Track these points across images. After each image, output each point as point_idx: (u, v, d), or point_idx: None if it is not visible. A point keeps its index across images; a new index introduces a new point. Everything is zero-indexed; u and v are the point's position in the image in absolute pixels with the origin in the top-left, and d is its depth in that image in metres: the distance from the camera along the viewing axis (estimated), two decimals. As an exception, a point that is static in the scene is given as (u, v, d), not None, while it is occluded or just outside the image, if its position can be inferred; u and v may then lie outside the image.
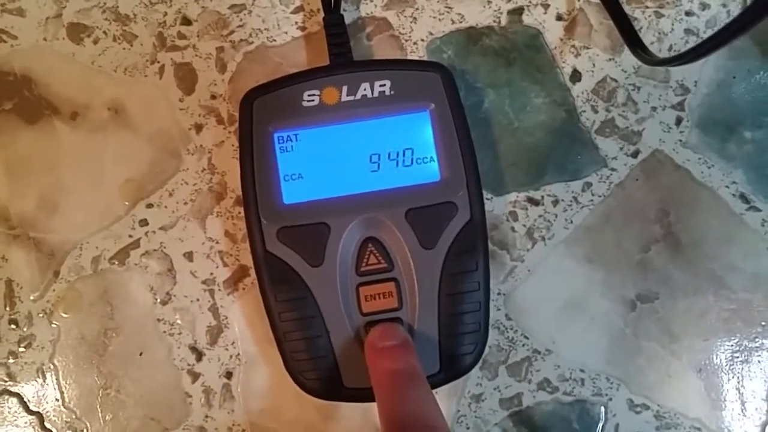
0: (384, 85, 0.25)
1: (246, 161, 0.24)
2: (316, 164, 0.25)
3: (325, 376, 0.24)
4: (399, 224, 0.24)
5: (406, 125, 0.25)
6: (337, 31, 0.26)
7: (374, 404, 0.25)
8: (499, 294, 0.27)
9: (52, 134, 0.27)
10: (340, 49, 0.26)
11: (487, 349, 0.25)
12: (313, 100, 0.25)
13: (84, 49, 0.27)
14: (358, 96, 0.25)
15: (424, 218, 0.24)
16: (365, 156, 0.25)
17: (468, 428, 0.26)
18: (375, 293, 0.24)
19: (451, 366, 0.24)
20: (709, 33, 0.27)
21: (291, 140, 0.25)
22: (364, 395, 0.24)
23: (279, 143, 0.25)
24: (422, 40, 0.27)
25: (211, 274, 0.27)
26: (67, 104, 0.27)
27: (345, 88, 0.25)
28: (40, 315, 0.27)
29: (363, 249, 0.24)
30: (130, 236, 0.27)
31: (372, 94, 0.25)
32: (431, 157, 0.25)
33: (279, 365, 0.25)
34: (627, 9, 0.27)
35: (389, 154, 0.25)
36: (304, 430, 0.26)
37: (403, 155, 0.25)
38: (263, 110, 0.25)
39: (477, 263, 0.24)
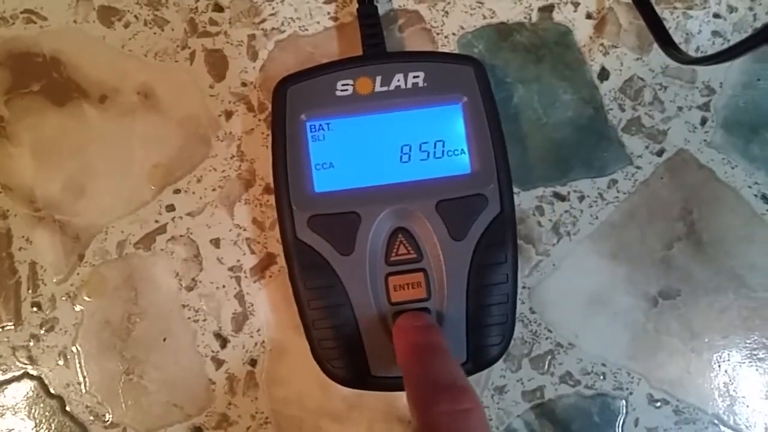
0: (418, 76, 0.25)
1: (278, 149, 0.24)
2: (348, 154, 0.25)
3: (352, 364, 0.24)
4: (429, 215, 0.24)
5: (439, 117, 0.25)
6: (371, 22, 0.26)
7: (399, 394, 0.25)
8: (523, 287, 0.27)
9: (80, 117, 0.27)
10: (374, 40, 0.26)
11: (510, 342, 0.25)
12: (346, 90, 0.25)
13: (114, 33, 0.27)
14: (392, 87, 0.25)
15: (455, 210, 0.24)
16: (397, 147, 0.25)
17: (490, 419, 0.27)
18: (404, 283, 0.24)
19: (478, 356, 0.24)
20: (736, 36, 0.28)
21: (323, 129, 0.25)
22: (391, 384, 0.24)
23: (311, 132, 0.25)
24: (453, 33, 0.27)
25: (238, 261, 0.27)
26: (97, 87, 0.27)
27: (379, 79, 0.25)
28: (64, 298, 0.26)
29: (393, 239, 0.24)
30: (157, 221, 0.27)
31: (405, 85, 0.25)
32: (462, 149, 0.25)
33: (303, 353, 0.25)
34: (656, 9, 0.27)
35: (420, 146, 0.25)
36: (328, 418, 0.26)
37: (435, 147, 0.25)
38: (296, 98, 0.25)
39: (506, 256, 0.24)
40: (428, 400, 0.19)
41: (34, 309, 0.27)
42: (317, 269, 0.24)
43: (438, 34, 0.28)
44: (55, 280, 0.27)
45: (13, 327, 0.26)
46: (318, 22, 0.27)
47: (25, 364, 0.26)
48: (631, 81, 0.28)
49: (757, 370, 0.27)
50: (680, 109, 0.28)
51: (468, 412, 0.18)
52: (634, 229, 0.27)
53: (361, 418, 0.26)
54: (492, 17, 0.28)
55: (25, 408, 0.26)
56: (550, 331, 0.27)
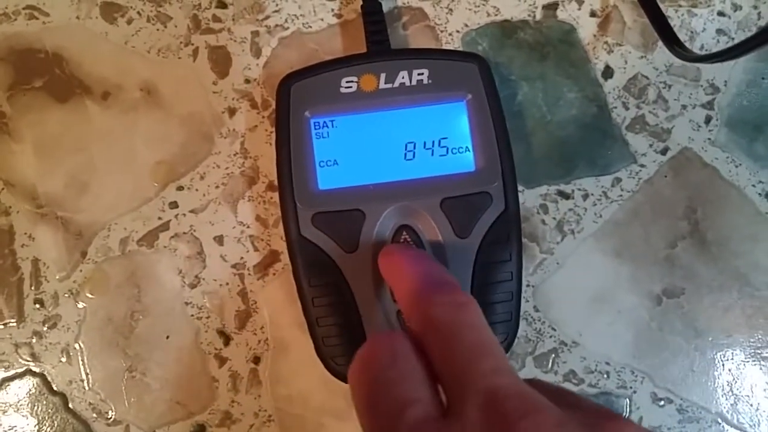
0: (422, 73, 0.25)
1: (282, 146, 0.24)
2: (352, 151, 0.25)
3: (356, 362, 0.24)
4: (434, 213, 0.24)
5: (443, 114, 0.25)
6: (375, 19, 0.26)
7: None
8: (528, 286, 0.27)
9: (83, 113, 0.27)
10: (378, 36, 0.26)
11: (515, 340, 0.25)
12: (350, 87, 0.25)
13: (117, 29, 0.27)
14: (396, 84, 0.25)
15: (459, 208, 0.24)
16: (401, 144, 0.25)
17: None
18: (408, 281, 0.24)
19: (483, 355, 0.24)
20: (741, 34, 0.28)
21: (327, 126, 0.25)
22: (395, 382, 0.24)
23: (315, 129, 0.25)
24: (458, 31, 0.27)
25: (242, 258, 0.27)
26: (99, 84, 0.27)
27: (383, 76, 0.25)
28: (66, 295, 0.26)
29: (397, 236, 0.24)
30: (160, 218, 0.27)
31: (410, 82, 0.25)
32: (467, 147, 0.25)
33: (307, 351, 0.25)
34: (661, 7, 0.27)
35: (425, 143, 0.25)
36: (331, 416, 0.26)
37: (439, 145, 0.25)
38: (300, 95, 0.25)
39: (511, 254, 0.24)
40: (425, 297, 0.18)
41: (37, 306, 0.26)
42: (321, 266, 0.24)
43: (442, 31, 0.27)
44: (57, 277, 0.26)
45: (15, 324, 0.26)
46: (322, 19, 0.27)
47: (28, 361, 0.26)
48: (635, 79, 0.28)
49: (760, 368, 0.27)
50: (684, 107, 0.28)
51: (465, 304, 0.18)
52: (638, 228, 0.27)
53: (365, 416, 0.26)
54: (496, 15, 0.28)
55: (27, 405, 0.26)
56: (554, 329, 0.27)
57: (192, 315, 0.26)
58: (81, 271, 0.26)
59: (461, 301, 0.18)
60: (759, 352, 0.27)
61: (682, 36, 0.27)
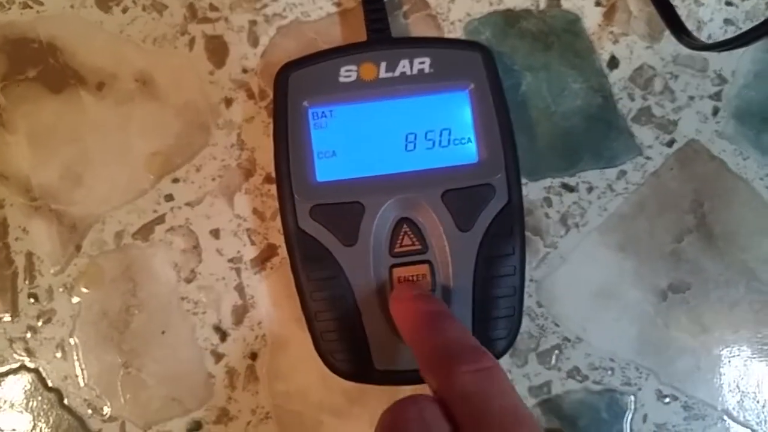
0: (423, 62, 0.24)
1: (279, 136, 0.24)
2: (351, 142, 0.24)
3: (355, 357, 0.23)
4: (435, 205, 0.24)
5: (445, 104, 0.24)
6: (375, 7, 0.25)
7: (402, 388, 0.25)
8: (531, 280, 0.26)
9: (77, 104, 0.26)
10: (379, 25, 0.25)
11: (517, 336, 0.25)
12: (350, 76, 0.24)
13: (112, 18, 0.27)
14: (397, 73, 0.24)
15: (461, 200, 0.24)
16: (401, 135, 0.24)
17: (496, 415, 0.26)
18: (408, 275, 0.24)
19: (485, 350, 0.24)
20: (749, 24, 0.27)
21: (326, 116, 0.24)
22: (394, 378, 0.23)
23: (313, 119, 0.24)
24: (459, 20, 0.27)
25: (238, 252, 0.26)
26: (94, 74, 0.26)
27: (383, 65, 0.24)
28: (61, 290, 0.26)
29: (397, 230, 0.24)
30: (155, 211, 0.26)
31: (411, 71, 0.24)
32: (469, 138, 0.24)
33: (305, 347, 0.24)
34: (667, -4, 0.26)
35: (426, 134, 0.24)
36: (330, 413, 0.26)
37: (440, 135, 0.24)
38: (298, 85, 0.24)
39: (514, 247, 0.24)
40: (448, 364, 0.18)
41: (31, 300, 0.26)
42: (320, 260, 0.23)
43: (444, 20, 0.27)
44: (52, 271, 0.26)
45: (9, 318, 0.26)
46: (321, 8, 0.27)
47: (22, 356, 0.26)
48: (641, 70, 0.27)
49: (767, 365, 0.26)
50: (691, 98, 0.27)
51: (490, 370, 0.18)
52: (643, 222, 0.27)
53: (363, 412, 0.26)
54: (499, 4, 0.27)
55: (22, 401, 0.26)
56: (557, 325, 0.26)
57: (188, 310, 0.26)
58: (75, 265, 0.26)
59: (487, 367, 0.18)
60: (766, 348, 0.26)
61: (689, 26, 0.27)
